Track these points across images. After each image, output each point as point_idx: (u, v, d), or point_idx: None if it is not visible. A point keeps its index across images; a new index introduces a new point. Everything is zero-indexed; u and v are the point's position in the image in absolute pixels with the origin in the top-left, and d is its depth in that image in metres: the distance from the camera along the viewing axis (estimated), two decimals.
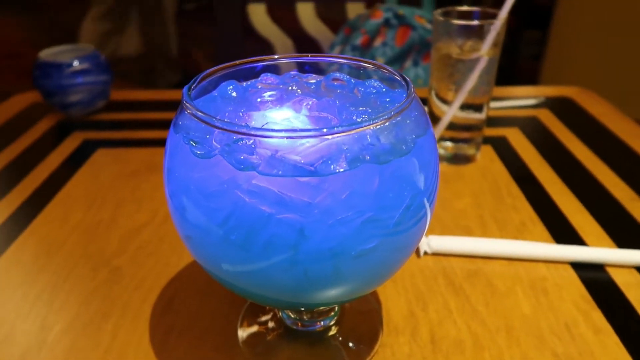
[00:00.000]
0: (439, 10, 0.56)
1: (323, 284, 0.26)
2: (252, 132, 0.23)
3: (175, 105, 0.27)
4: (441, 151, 0.60)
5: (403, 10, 1.06)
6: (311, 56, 0.33)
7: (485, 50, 0.53)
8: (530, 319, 0.37)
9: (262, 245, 0.24)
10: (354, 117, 0.27)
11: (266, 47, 1.27)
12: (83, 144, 0.66)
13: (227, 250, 0.25)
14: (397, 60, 1.04)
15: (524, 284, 0.41)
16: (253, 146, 0.23)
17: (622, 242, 0.45)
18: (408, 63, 1.05)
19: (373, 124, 0.24)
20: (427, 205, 0.27)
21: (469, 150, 0.60)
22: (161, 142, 0.29)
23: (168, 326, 0.37)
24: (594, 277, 0.41)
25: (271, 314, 0.38)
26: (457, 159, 0.60)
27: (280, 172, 0.23)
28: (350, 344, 0.36)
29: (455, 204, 0.52)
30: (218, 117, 0.24)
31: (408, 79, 0.28)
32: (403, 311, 0.38)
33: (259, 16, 1.25)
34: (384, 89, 0.30)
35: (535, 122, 0.70)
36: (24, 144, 0.66)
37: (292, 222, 0.23)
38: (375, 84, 0.31)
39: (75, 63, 0.68)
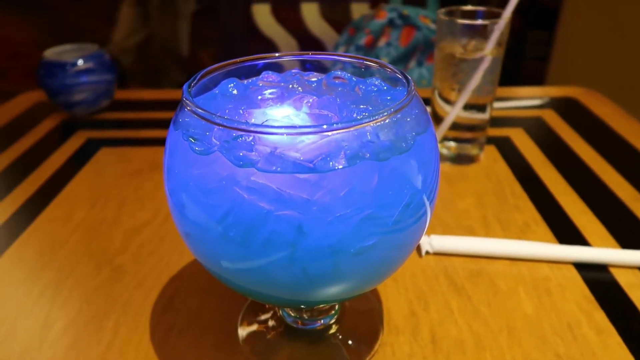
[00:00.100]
0: (443, 10, 0.56)
1: (322, 281, 0.26)
2: (251, 129, 0.23)
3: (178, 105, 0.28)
4: (444, 151, 0.60)
5: (407, 11, 1.05)
6: (312, 54, 0.33)
7: (489, 50, 0.53)
8: (533, 319, 0.37)
9: (260, 242, 0.24)
10: (354, 115, 0.26)
11: (270, 47, 1.27)
12: (87, 142, 0.66)
13: (226, 247, 0.25)
14: (401, 60, 1.04)
15: (527, 284, 0.41)
16: (252, 143, 0.23)
17: (626, 242, 0.45)
18: (412, 63, 1.04)
19: (373, 121, 0.23)
20: (427, 203, 0.27)
21: (472, 150, 0.59)
22: (164, 142, 0.29)
23: (169, 324, 0.37)
24: (597, 278, 0.41)
25: (271, 312, 0.38)
26: (460, 159, 0.59)
27: (279, 169, 0.23)
28: (351, 343, 0.36)
29: (458, 204, 0.52)
30: (218, 114, 0.24)
31: (408, 76, 0.28)
32: (404, 310, 0.38)
33: (263, 16, 1.25)
34: (385, 87, 0.30)
35: (539, 123, 0.69)
36: (28, 142, 0.66)
37: (290, 219, 0.23)
38: (376, 82, 0.31)
39: (80, 62, 0.68)
